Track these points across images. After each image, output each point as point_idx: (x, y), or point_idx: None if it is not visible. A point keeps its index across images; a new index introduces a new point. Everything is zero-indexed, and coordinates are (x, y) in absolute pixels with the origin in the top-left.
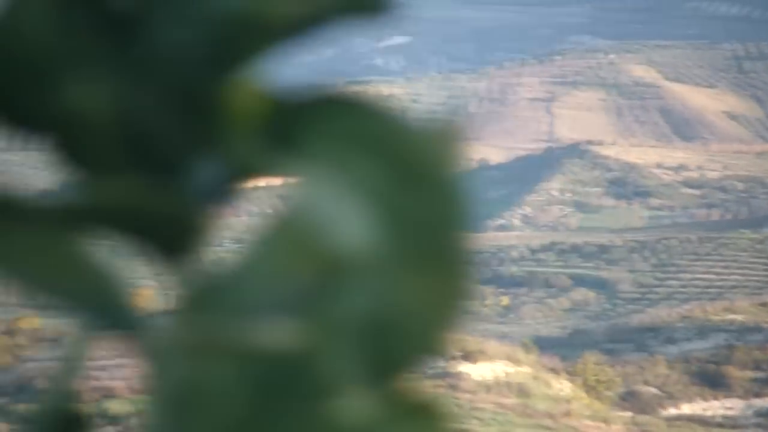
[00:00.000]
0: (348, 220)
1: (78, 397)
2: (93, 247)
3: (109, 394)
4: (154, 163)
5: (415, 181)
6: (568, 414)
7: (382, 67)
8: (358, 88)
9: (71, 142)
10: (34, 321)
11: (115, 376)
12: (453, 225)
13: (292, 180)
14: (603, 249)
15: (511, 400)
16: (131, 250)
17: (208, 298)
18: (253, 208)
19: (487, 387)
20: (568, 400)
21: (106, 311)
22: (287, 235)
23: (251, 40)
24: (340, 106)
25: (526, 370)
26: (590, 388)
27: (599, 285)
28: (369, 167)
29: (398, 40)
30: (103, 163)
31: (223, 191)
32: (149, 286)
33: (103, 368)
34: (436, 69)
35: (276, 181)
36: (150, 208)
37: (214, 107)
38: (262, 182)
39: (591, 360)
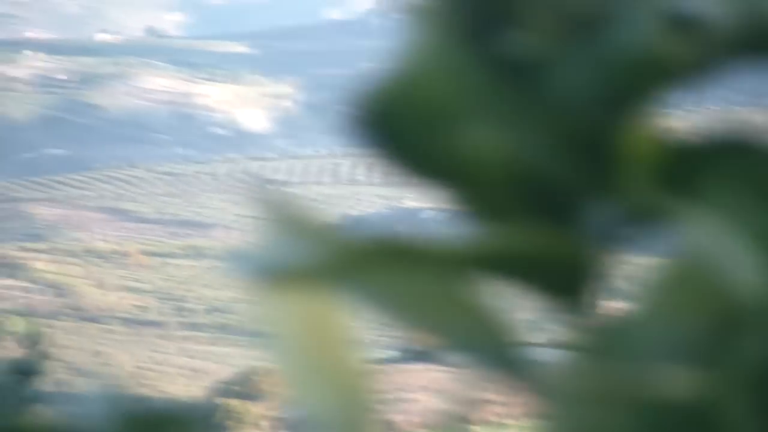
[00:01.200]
0: (744, 266)
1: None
2: (485, 290)
3: (390, 428)
4: (549, 208)
5: None
6: None
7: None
8: (749, 131)
9: (467, 188)
10: None
11: (398, 410)
12: None
13: (687, 224)
14: None
15: None
16: (525, 295)
17: (606, 344)
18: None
19: None
20: None
21: (496, 354)
22: (684, 280)
23: (648, 81)
24: (734, 148)
25: None
26: None
27: None
28: (764, 211)
29: None
30: (499, 209)
31: (618, 235)
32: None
33: (389, 402)
34: (714, 102)
35: (672, 225)
36: (547, 254)
37: (610, 150)
38: (656, 226)
39: None
